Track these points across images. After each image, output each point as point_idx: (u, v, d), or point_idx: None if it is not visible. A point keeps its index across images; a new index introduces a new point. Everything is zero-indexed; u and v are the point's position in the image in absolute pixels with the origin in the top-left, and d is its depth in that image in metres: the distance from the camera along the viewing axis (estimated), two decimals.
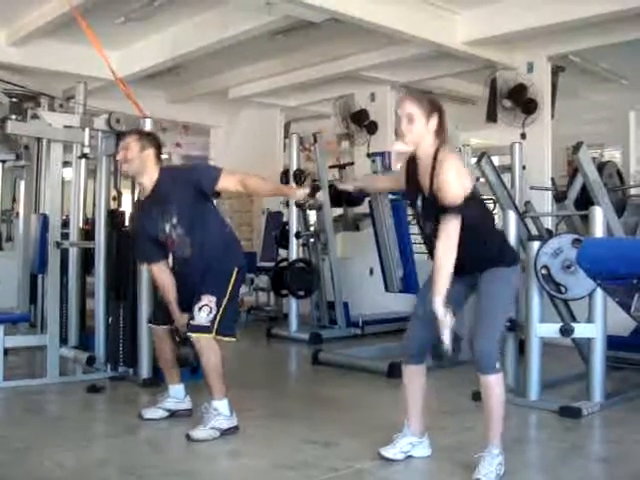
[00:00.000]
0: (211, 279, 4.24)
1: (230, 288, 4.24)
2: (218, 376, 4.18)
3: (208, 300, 4.17)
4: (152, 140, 4.43)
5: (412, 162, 3.62)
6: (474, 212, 3.46)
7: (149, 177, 4.31)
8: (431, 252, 3.56)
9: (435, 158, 3.44)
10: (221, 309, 4.17)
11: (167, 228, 4.27)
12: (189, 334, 4.20)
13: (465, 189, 3.39)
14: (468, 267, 3.47)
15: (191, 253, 4.29)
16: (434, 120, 3.47)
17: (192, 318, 4.17)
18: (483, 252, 3.51)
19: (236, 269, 4.29)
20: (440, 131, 3.50)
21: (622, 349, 5.73)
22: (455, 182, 3.36)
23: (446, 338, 3.33)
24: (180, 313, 4.33)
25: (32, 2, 7.17)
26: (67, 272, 6.00)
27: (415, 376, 3.73)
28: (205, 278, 4.25)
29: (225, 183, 4.22)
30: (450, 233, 3.36)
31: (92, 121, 5.57)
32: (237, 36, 7.42)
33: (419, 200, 3.56)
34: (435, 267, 3.39)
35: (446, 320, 3.34)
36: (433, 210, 3.43)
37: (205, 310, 4.15)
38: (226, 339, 4.23)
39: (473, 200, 3.46)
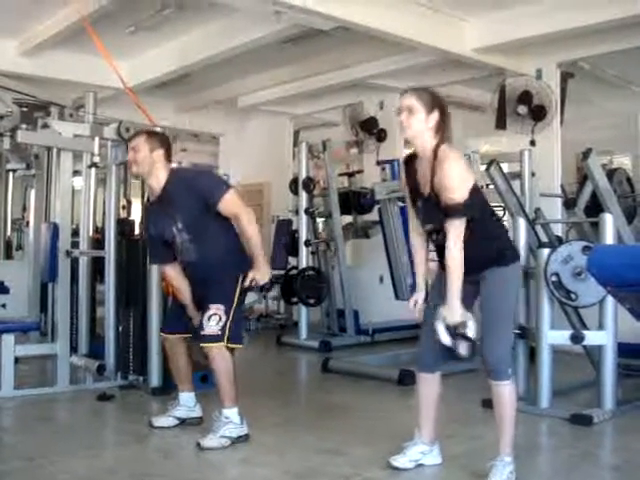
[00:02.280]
0: (217, 288, 4.23)
1: (237, 295, 4.22)
2: (229, 384, 4.17)
3: (216, 309, 4.15)
4: (161, 140, 4.39)
5: (410, 161, 3.62)
6: (476, 208, 3.43)
7: (158, 178, 4.29)
8: (438, 252, 3.56)
9: (435, 157, 3.41)
10: (230, 317, 4.16)
11: (174, 231, 4.28)
12: (201, 344, 4.21)
13: (468, 188, 3.36)
14: (472, 266, 3.43)
15: (196, 258, 4.28)
16: (434, 115, 3.45)
17: (202, 328, 4.17)
18: (485, 250, 3.47)
19: (242, 275, 4.23)
20: (440, 128, 3.46)
21: (633, 356, 5.71)
22: (458, 184, 3.34)
23: (463, 348, 3.36)
24: (196, 312, 4.34)
25: (42, 13, 7.20)
26: (77, 281, 6.00)
27: (430, 384, 3.72)
28: (211, 287, 4.24)
29: (223, 207, 4.18)
30: (458, 235, 3.35)
31: (102, 130, 5.60)
32: (246, 45, 7.43)
33: (419, 201, 3.55)
34: (448, 272, 3.38)
35: (469, 324, 3.35)
36: (435, 212, 3.41)
37: (214, 319, 4.14)
38: (235, 346, 4.22)
39: (475, 196, 3.43)
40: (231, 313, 4.17)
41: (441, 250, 3.49)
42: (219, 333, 4.13)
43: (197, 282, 4.37)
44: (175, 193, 4.25)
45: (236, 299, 4.22)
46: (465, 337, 3.37)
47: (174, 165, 4.44)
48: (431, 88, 3.64)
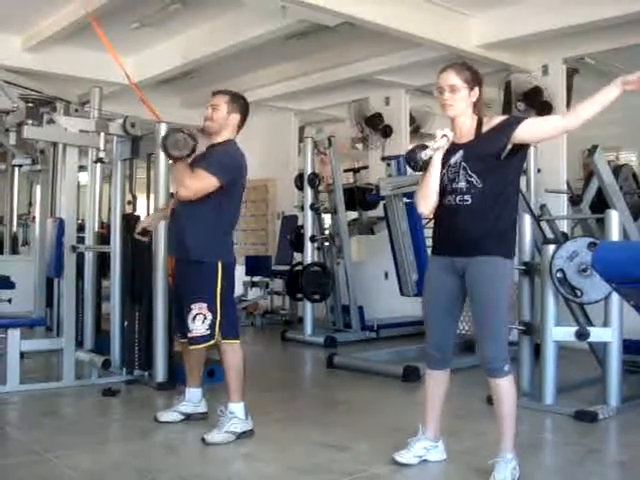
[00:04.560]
0: (196, 282, 4.18)
1: (219, 288, 4.16)
2: (238, 379, 4.18)
3: (199, 308, 4.12)
4: (241, 106, 4.42)
5: None
6: (515, 172, 3.50)
7: (217, 140, 4.33)
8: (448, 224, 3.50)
9: (479, 126, 3.46)
10: (218, 313, 4.13)
11: None
12: (191, 347, 4.22)
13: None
14: (471, 241, 3.41)
15: (182, 225, 4.27)
16: (476, 92, 3.48)
17: (189, 330, 4.15)
18: (497, 225, 3.42)
19: (220, 264, 4.18)
20: (479, 102, 3.51)
21: (638, 353, 5.70)
22: None
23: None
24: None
25: (47, 8, 7.21)
26: (83, 276, 6.03)
27: (439, 381, 3.72)
28: (190, 280, 4.20)
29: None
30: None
31: (107, 126, 5.60)
32: (251, 40, 7.42)
33: (457, 155, 3.44)
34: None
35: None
36: (479, 154, 3.40)
37: (199, 319, 4.12)
38: (230, 341, 4.21)
39: (519, 163, 3.52)
40: (217, 308, 4.14)
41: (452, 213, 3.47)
42: (207, 333, 4.12)
43: (176, 226, 4.34)
44: (206, 156, 4.28)
45: (219, 294, 4.16)
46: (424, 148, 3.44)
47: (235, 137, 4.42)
48: (467, 62, 3.67)
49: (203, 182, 4.11)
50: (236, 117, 4.37)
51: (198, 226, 4.20)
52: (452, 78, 3.46)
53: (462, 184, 3.41)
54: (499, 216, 3.43)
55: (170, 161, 4.40)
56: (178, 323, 4.47)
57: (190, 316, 4.14)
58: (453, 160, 3.45)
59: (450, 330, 3.67)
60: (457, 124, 3.52)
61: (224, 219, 4.29)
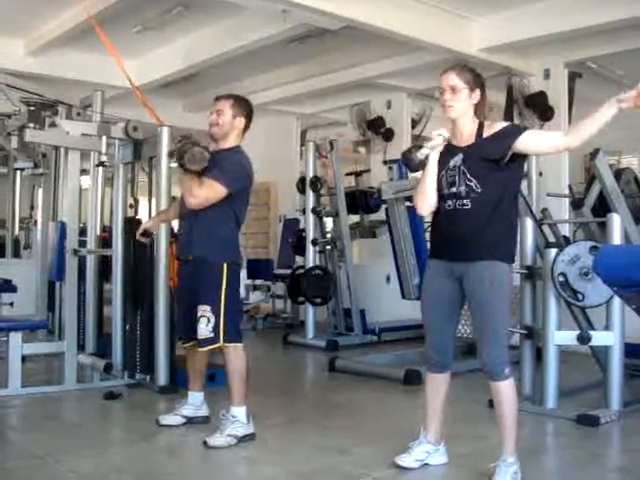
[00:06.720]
0: (201, 284, 4.20)
1: (223, 291, 4.16)
2: (240, 382, 4.17)
3: (203, 310, 4.14)
4: (246, 109, 4.39)
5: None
6: (515, 178, 3.52)
7: (225, 144, 4.33)
8: (447, 229, 3.51)
9: (480, 130, 3.46)
10: (221, 316, 4.13)
11: None
12: (199, 349, 4.23)
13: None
14: (470, 247, 3.41)
15: (190, 228, 4.30)
16: (477, 94, 3.48)
17: (196, 333, 4.17)
18: (496, 230, 3.42)
19: (226, 264, 4.19)
20: (481, 106, 3.50)
21: None
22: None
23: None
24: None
25: (50, 12, 7.23)
26: (85, 279, 6.02)
27: (438, 384, 3.71)
28: (196, 282, 4.22)
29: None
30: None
31: (109, 129, 5.60)
32: (253, 44, 7.45)
33: (456, 158, 3.45)
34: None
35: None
36: (479, 159, 3.40)
37: (203, 321, 4.13)
38: (232, 345, 4.19)
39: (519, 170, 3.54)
40: (221, 311, 4.14)
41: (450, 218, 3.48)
42: (211, 335, 4.13)
43: (186, 229, 4.36)
44: (213, 162, 4.22)
45: (223, 294, 4.16)
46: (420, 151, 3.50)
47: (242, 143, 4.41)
48: (469, 65, 3.67)
49: (213, 192, 4.13)
50: (242, 120, 4.36)
51: (205, 228, 4.22)
52: (453, 79, 3.47)
53: (462, 188, 3.42)
54: (499, 221, 3.43)
55: (180, 169, 4.27)
56: (181, 326, 4.48)
57: (197, 318, 4.16)
58: (452, 163, 3.47)
59: (449, 333, 3.66)
60: (458, 126, 3.52)
61: (231, 222, 4.30)
